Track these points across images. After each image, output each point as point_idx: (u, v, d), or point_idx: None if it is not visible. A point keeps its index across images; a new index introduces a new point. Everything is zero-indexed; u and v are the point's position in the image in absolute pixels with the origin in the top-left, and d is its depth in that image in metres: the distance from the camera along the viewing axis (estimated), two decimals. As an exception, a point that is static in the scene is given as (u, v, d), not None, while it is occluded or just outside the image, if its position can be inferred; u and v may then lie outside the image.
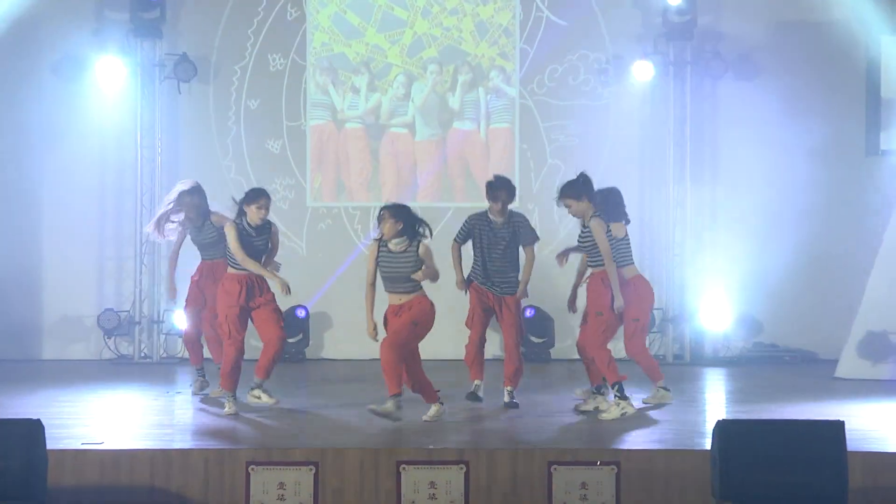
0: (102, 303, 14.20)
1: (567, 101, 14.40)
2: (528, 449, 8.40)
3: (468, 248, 10.48)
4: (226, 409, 9.98)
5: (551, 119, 14.42)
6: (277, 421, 9.65)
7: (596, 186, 10.21)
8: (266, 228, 10.12)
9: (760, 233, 14.21)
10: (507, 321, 10.31)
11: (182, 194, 10.94)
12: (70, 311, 14.25)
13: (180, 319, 13.12)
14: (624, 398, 9.77)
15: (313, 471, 8.17)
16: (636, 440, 8.96)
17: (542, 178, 14.34)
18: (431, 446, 8.45)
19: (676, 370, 13.19)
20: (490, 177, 10.66)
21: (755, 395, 11.37)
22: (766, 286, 14.07)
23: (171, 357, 14.07)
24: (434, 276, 9.41)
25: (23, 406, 10.26)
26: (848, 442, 7.39)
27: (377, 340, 9.45)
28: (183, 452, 8.35)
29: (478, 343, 10.39)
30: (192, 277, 11.10)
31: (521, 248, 10.41)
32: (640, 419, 9.74)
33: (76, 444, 8.45)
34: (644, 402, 10.42)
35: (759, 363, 13.84)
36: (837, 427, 7.41)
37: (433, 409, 9.62)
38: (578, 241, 10.25)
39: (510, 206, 10.35)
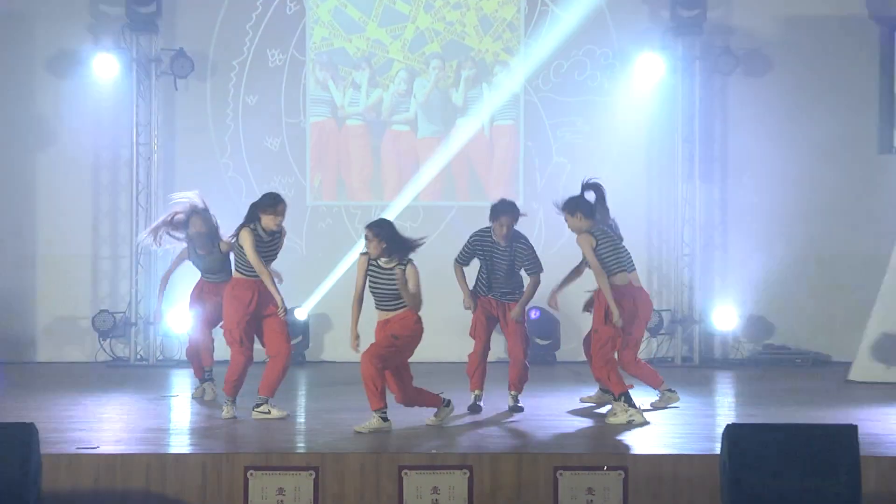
0: (97, 304, 14.16)
1: (573, 98, 14.30)
2: (533, 453, 8.31)
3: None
4: (224, 412, 9.85)
5: (557, 116, 14.31)
6: (276, 424, 9.55)
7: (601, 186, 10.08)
8: (278, 234, 9.89)
9: (771, 232, 14.21)
10: (512, 328, 10.20)
11: (195, 214, 10.59)
12: (64, 313, 14.16)
13: (174, 322, 12.98)
14: (633, 407, 9.64)
15: (313, 476, 8.05)
16: (644, 444, 8.88)
17: (547, 176, 14.22)
18: (434, 451, 8.34)
19: (685, 372, 13.18)
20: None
21: (766, 399, 11.28)
22: (777, 286, 14.11)
23: (168, 359, 14.00)
24: (416, 306, 9.11)
25: (16, 410, 10.16)
26: (861, 446, 7.27)
27: (359, 352, 9.23)
28: (180, 457, 8.25)
29: (481, 353, 10.28)
30: (192, 293, 10.86)
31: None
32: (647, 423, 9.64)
33: (71, 449, 8.35)
34: (652, 406, 10.34)
35: (770, 365, 13.79)
36: (850, 431, 7.29)
37: (440, 411, 9.45)
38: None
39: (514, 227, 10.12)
